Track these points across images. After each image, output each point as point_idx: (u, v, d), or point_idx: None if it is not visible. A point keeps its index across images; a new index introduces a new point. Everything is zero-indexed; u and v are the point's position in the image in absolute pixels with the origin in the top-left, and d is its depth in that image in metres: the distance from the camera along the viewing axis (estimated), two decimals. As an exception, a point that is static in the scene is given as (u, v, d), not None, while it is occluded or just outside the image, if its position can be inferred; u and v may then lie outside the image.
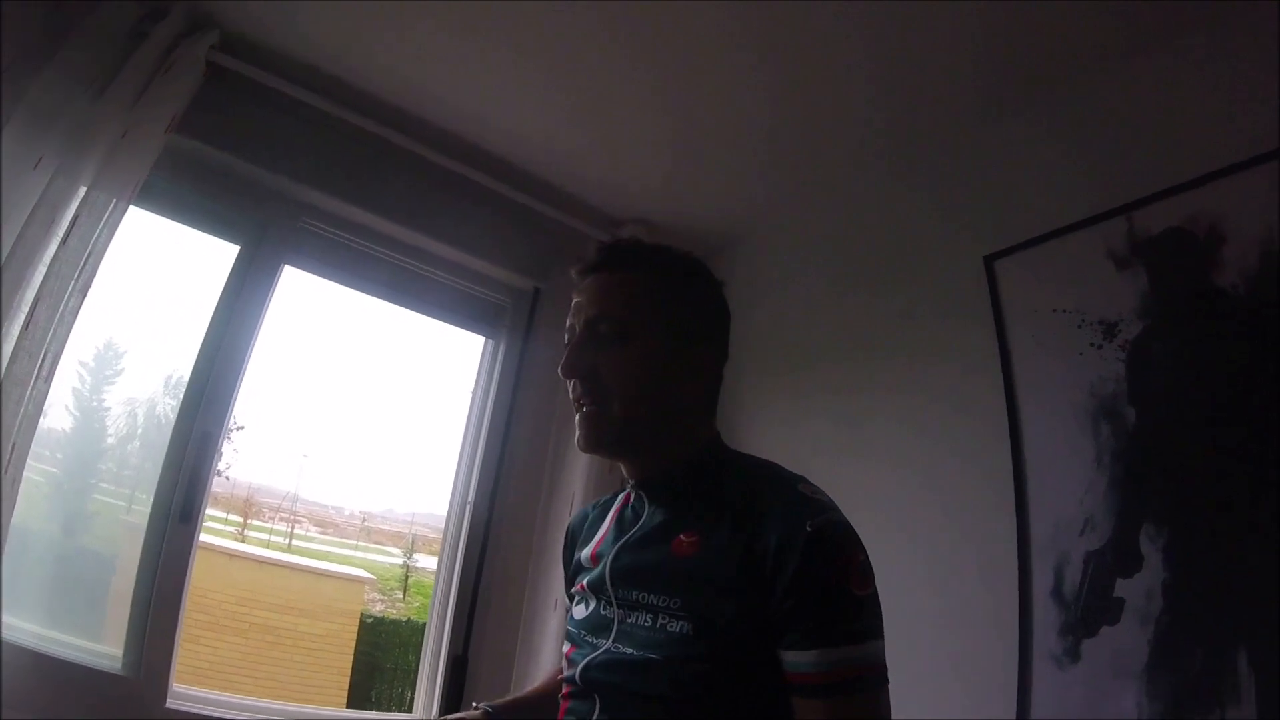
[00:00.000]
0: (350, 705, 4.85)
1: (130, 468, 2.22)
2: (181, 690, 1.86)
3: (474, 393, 2.59)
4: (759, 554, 0.84)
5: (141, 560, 1.86)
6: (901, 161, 2.08)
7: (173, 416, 2.01)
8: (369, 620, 5.86)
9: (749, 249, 2.59)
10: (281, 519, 8.52)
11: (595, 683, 0.93)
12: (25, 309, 1.53)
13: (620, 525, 1.06)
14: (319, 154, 2.18)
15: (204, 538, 1.99)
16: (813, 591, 0.81)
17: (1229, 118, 1.42)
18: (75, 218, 1.62)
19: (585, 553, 1.10)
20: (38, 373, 1.54)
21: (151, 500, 1.91)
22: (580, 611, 1.03)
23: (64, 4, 1.73)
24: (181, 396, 2.01)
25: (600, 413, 0.99)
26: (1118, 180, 1.56)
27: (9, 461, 1.50)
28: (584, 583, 1.04)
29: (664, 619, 0.89)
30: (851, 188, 2.23)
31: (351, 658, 5.28)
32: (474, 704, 1.16)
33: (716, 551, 0.89)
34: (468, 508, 2.39)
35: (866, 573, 0.85)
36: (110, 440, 2.25)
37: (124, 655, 1.80)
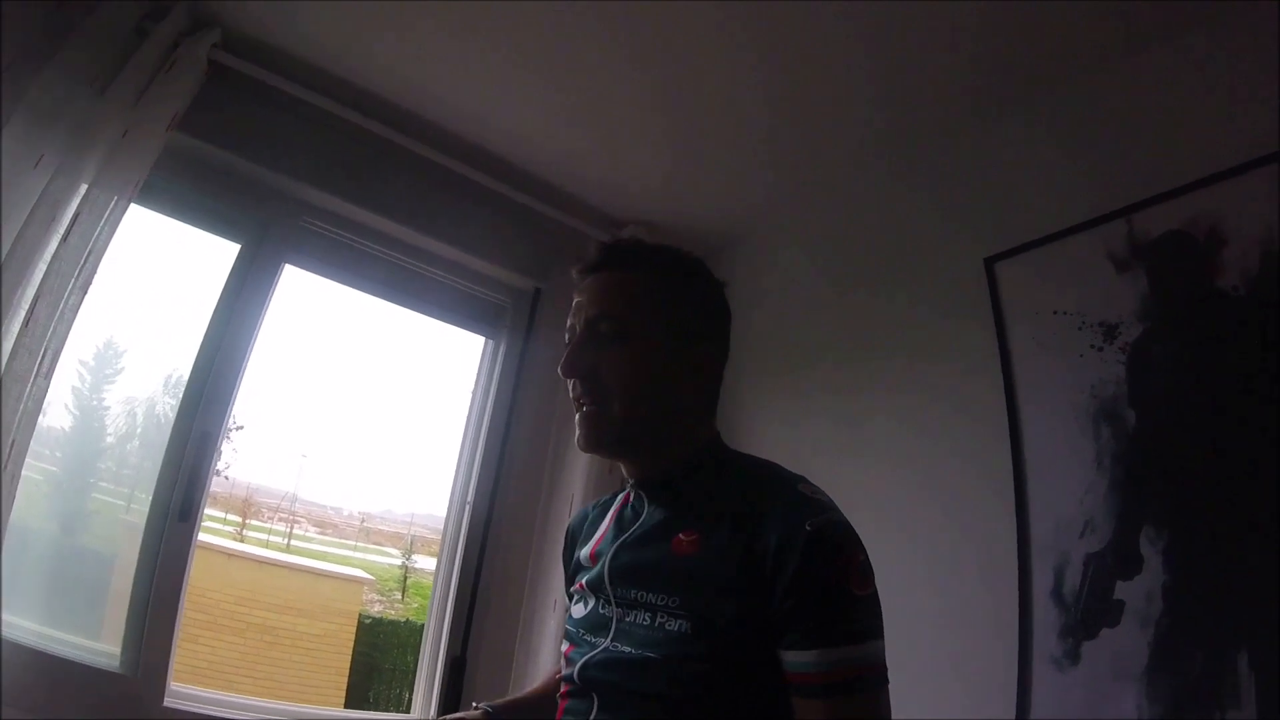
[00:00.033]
0: (348, 705, 4.84)
1: (129, 467, 2.22)
2: (179, 689, 1.86)
3: (474, 393, 2.58)
4: (759, 554, 0.84)
5: (140, 559, 1.86)
6: (901, 161, 2.08)
7: (172, 416, 2.01)
8: (367, 621, 5.86)
9: (749, 249, 2.59)
10: (280, 519, 8.51)
11: (593, 681, 0.93)
12: (26, 306, 1.53)
13: (620, 524, 1.06)
14: (320, 153, 2.18)
15: (203, 537, 1.99)
16: (813, 591, 0.81)
17: (1229, 119, 1.42)
18: (76, 215, 1.62)
19: (584, 552, 1.10)
20: (38, 369, 1.54)
21: (150, 499, 1.91)
22: (579, 610, 1.03)
23: (65, 3, 1.73)
24: (181, 396, 2.00)
25: (600, 412, 0.99)
26: (1117, 182, 1.56)
27: (8, 458, 1.50)
28: (583, 581, 1.04)
29: (662, 617, 0.89)
30: (851, 188, 2.23)
31: (350, 658, 5.28)
32: (474, 704, 1.16)
33: (716, 551, 0.89)
34: (467, 508, 2.39)
35: (866, 573, 0.85)
36: (110, 439, 2.25)
37: (122, 654, 1.80)
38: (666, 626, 0.88)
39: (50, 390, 1.61)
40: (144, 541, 1.87)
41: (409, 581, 7.81)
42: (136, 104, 1.73)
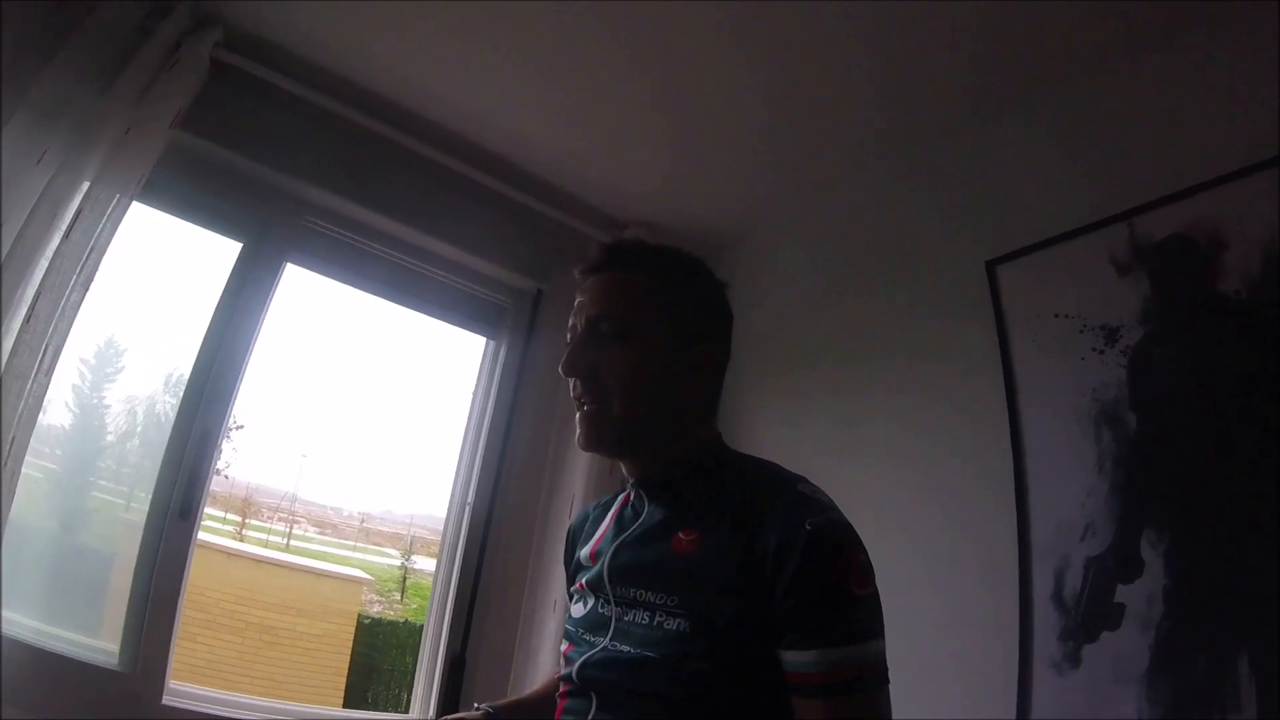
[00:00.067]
0: (347, 705, 4.83)
1: (129, 465, 2.22)
2: (178, 687, 1.86)
3: (474, 393, 2.58)
4: (759, 554, 0.84)
5: (140, 557, 1.86)
6: (902, 162, 2.08)
7: (172, 415, 2.01)
8: (366, 621, 5.85)
9: (750, 250, 2.59)
10: (280, 519, 8.51)
11: (592, 680, 0.93)
12: (27, 303, 1.53)
13: (620, 523, 1.06)
14: (322, 152, 2.18)
15: (202, 536, 1.99)
16: (813, 591, 0.81)
17: (1231, 122, 1.42)
18: (78, 213, 1.62)
19: (585, 551, 1.10)
20: (38, 366, 1.55)
21: (150, 498, 1.91)
22: (579, 610, 1.03)
23: (67, 2, 1.74)
24: (181, 394, 2.00)
25: (600, 411, 0.99)
26: (1119, 185, 1.56)
27: (8, 455, 1.50)
28: (583, 581, 1.04)
29: (661, 616, 0.89)
30: (852, 189, 2.23)
31: (348, 658, 5.27)
32: (475, 705, 1.16)
33: (716, 551, 0.89)
34: (467, 508, 2.39)
35: (867, 572, 0.85)
36: (110, 438, 2.25)
37: (121, 651, 1.80)
38: (665, 626, 0.88)
39: (50, 388, 1.61)
40: (143, 540, 1.87)
41: (408, 582, 7.80)
42: (139, 102, 1.73)
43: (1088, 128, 1.68)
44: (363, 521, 9.71)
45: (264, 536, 7.79)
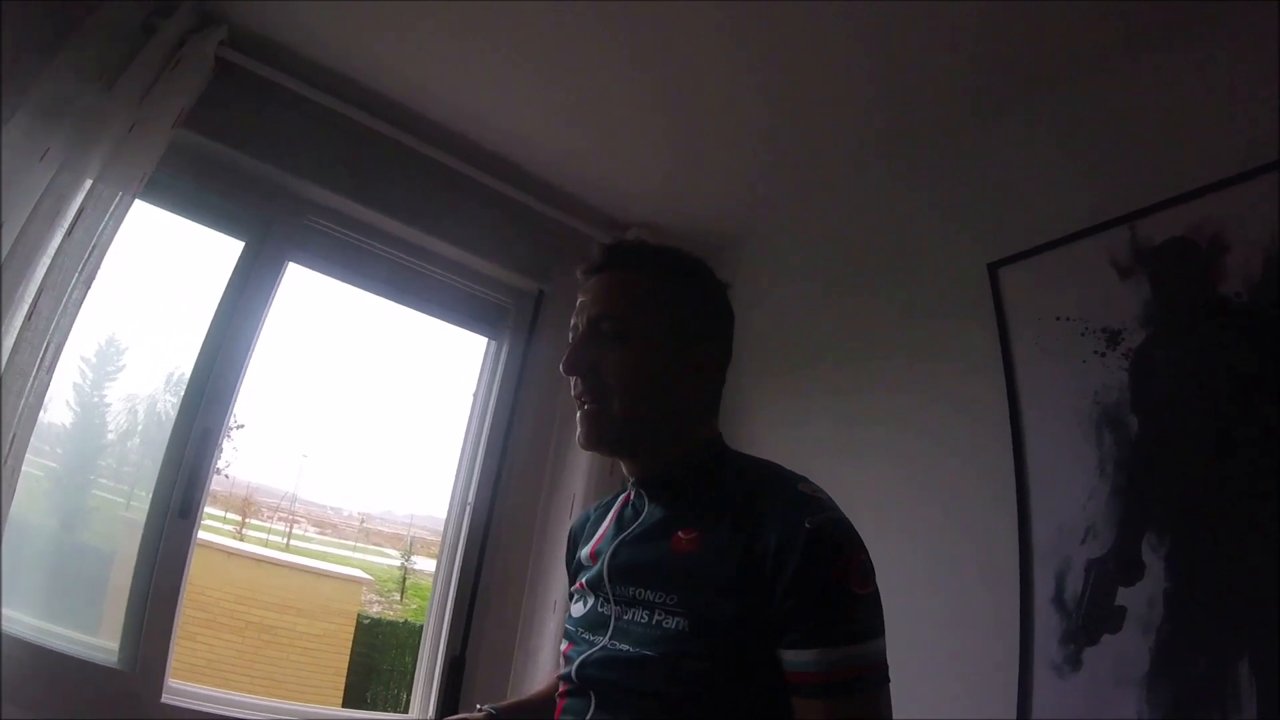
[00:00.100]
0: (346, 705, 4.83)
1: (130, 464, 2.22)
2: (177, 686, 1.86)
3: (475, 394, 2.58)
4: (759, 554, 0.84)
5: (140, 556, 1.86)
6: (903, 162, 2.08)
7: (173, 414, 2.01)
8: (366, 621, 5.84)
9: (751, 251, 2.59)
10: (280, 518, 8.51)
11: (591, 680, 0.93)
12: (29, 300, 1.53)
13: (620, 523, 1.06)
14: (325, 151, 2.18)
15: (202, 535, 1.99)
16: (813, 591, 0.81)
17: (1232, 125, 1.42)
18: (81, 210, 1.62)
19: (585, 551, 1.10)
20: (39, 364, 1.55)
21: (150, 497, 1.91)
22: (578, 609, 1.03)
23: (71, 0, 1.74)
24: (183, 393, 2.00)
25: (600, 410, 0.99)
26: (1120, 188, 1.56)
27: (9, 452, 1.50)
28: (583, 580, 1.04)
29: (660, 615, 0.89)
30: (852, 189, 2.24)
31: (348, 658, 5.27)
32: (477, 706, 1.16)
33: (716, 550, 0.89)
34: (468, 508, 2.38)
35: (867, 571, 0.85)
36: (110, 436, 2.25)
37: (120, 650, 1.80)
38: (664, 624, 0.88)
39: (51, 386, 1.61)
40: (144, 538, 1.87)
41: (408, 582, 7.80)
42: (143, 100, 1.73)
43: (1089, 129, 1.68)
44: (363, 522, 9.71)
45: (264, 536, 7.79)
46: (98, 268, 1.66)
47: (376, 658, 5.66)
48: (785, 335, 2.31)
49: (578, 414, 1.02)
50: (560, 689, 1.00)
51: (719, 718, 0.83)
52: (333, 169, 2.20)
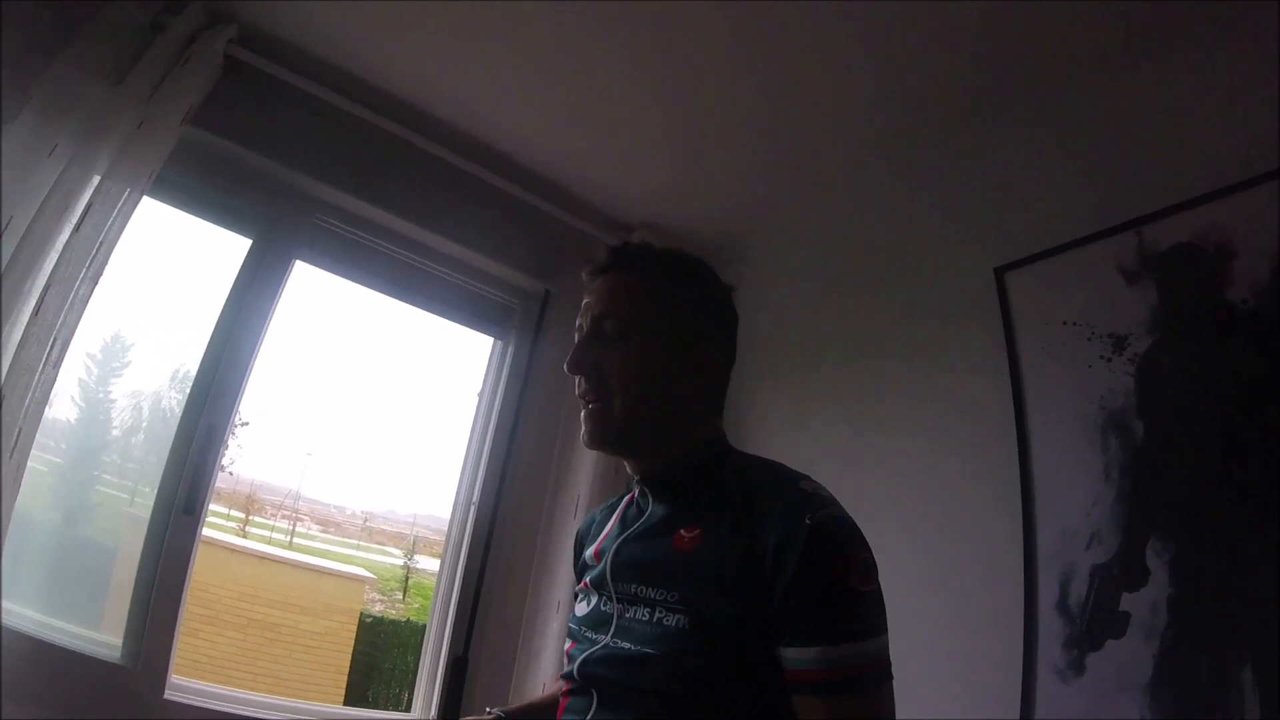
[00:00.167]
0: (347, 703, 4.84)
1: (134, 460, 2.23)
2: (180, 682, 1.86)
3: (481, 394, 2.59)
4: (759, 552, 0.84)
5: (144, 552, 1.86)
6: (907, 166, 2.08)
7: (178, 410, 2.01)
8: (368, 620, 5.86)
9: (757, 254, 2.59)
10: (283, 516, 8.53)
11: (593, 678, 0.93)
12: (36, 295, 1.54)
13: (624, 522, 1.07)
14: (333, 150, 2.18)
15: (206, 532, 1.99)
16: (813, 589, 0.81)
17: (1240, 131, 1.41)
18: (88, 206, 1.62)
19: (590, 551, 1.11)
20: (46, 359, 1.55)
21: (155, 493, 1.91)
22: (582, 608, 1.04)
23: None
24: (188, 390, 2.01)
25: (604, 409, 1.00)
26: (1127, 193, 1.56)
27: (15, 447, 1.50)
28: (587, 579, 1.05)
29: (661, 613, 0.89)
30: (857, 192, 2.24)
31: (350, 657, 5.28)
32: (487, 709, 1.16)
33: (717, 549, 0.89)
34: (472, 508, 2.38)
35: (869, 568, 0.85)
36: (115, 432, 2.26)
37: (123, 645, 1.80)
38: (665, 622, 0.88)
39: (56, 382, 1.62)
40: (148, 534, 1.87)
41: (410, 582, 7.82)
42: (151, 97, 1.74)
43: (1095, 133, 1.67)
44: (366, 520, 9.74)
45: (267, 534, 7.81)
46: (105, 264, 1.67)
47: (378, 656, 5.67)
48: (790, 338, 2.31)
49: (582, 413, 1.03)
50: (564, 688, 1.00)
51: (720, 716, 0.83)
52: (340, 167, 2.20)
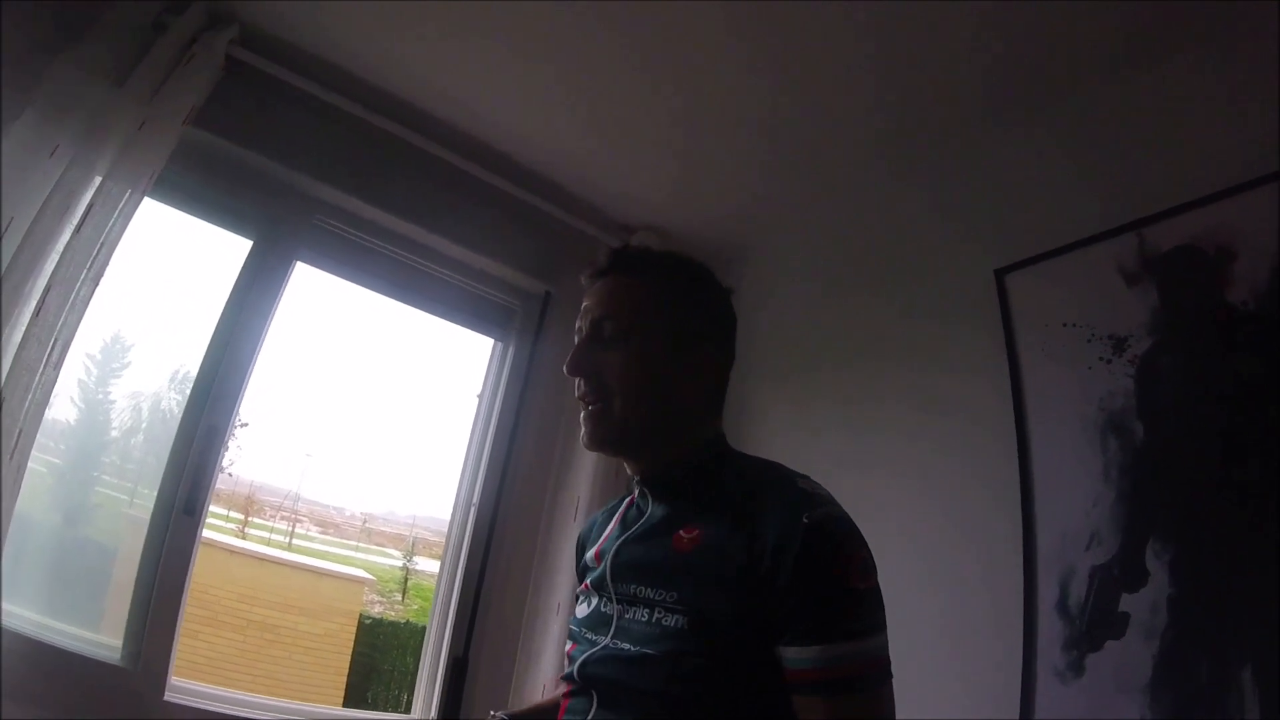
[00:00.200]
0: (347, 705, 4.83)
1: (133, 461, 2.23)
2: (180, 684, 1.86)
3: (481, 395, 2.59)
4: (757, 553, 0.84)
5: (144, 553, 1.86)
6: (906, 167, 2.08)
7: (177, 411, 2.01)
8: (368, 621, 5.85)
9: (758, 255, 2.59)
10: (282, 517, 8.52)
11: (593, 679, 0.93)
12: (37, 296, 1.54)
13: (624, 523, 1.08)
14: (334, 151, 2.18)
15: (205, 533, 1.99)
16: (812, 588, 0.81)
17: (1240, 133, 1.42)
18: (90, 207, 1.62)
19: (591, 553, 1.11)
20: (47, 360, 1.55)
21: (155, 494, 1.91)
22: (583, 610, 1.04)
23: (78, -1, 1.75)
24: (188, 391, 2.00)
25: (603, 410, 1.01)
26: (1128, 195, 1.56)
27: (15, 448, 1.50)
28: (588, 581, 1.05)
29: (660, 613, 0.89)
30: (859, 195, 2.24)
31: (349, 658, 5.28)
32: (491, 712, 1.17)
33: (716, 549, 0.89)
34: (472, 509, 2.38)
35: (867, 566, 0.85)
36: (114, 433, 2.26)
37: (123, 646, 1.80)
38: (664, 622, 0.88)
39: (57, 382, 1.62)
40: (148, 536, 1.87)
41: (410, 583, 7.81)
42: (153, 98, 1.74)
43: (1096, 135, 1.68)
44: (365, 522, 9.73)
45: (266, 535, 7.81)
46: (106, 265, 1.67)
47: (378, 658, 5.66)
48: (790, 339, 2.32)
49: (581, 415, 1.04)
50: (564, 689, 1.00)
51: (720, 716, 0.83)
52: (341, 168, 2.20)
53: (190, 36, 1.81)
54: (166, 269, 2.18)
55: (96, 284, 1.65)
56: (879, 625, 0.83)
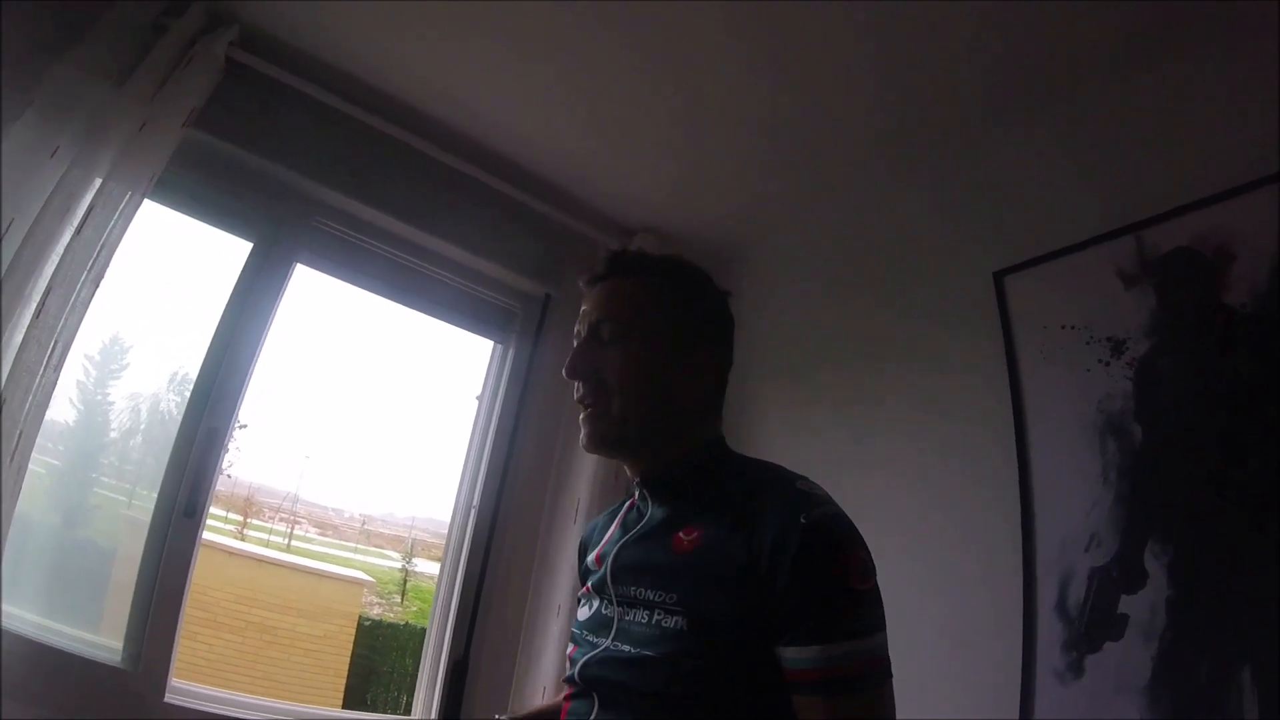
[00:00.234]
0: (346, 707, 4.83)
1: (132, 463, 2.23)
2: (180, 685, 1.86)
3: (481, 397, 2.59)
4: (756, 553, 0.84)
5: (145, 555, 1.86)
6: (906, 168, 2.08)
7: (176, 412, 2.01)
8: (367, 623, 5.85)
9: (757, 257, 2.59)
10: (281, 519, 8.52)
11: (594, 680, 0.94)
12: (37, 298, 1.53)
13: (625, 525, 1.08)
14: (334, 153, 2.18)
15: (204, 535, 1.99)
16: (811, 588, 0.81)
17: (1239, 135, 1.42)
18: (90, 208, 1.62)
19: (592, 556, 1.11)
20: (47, 361, 1.55)
21: (155, 496, 1.91)
22: (584, 613, 1.04)
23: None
24: (188, 393, 2.00)
25: (602, 412, 1.01)
26: (1127, 198, 1.56)
27: (16, 449, 1.50)
28: (589, 584, 1.06)
29: (660, 614, 0.90)
30: (858, 197, 2.24)
31: (348, 660, 5.28)
32: (495, 716, 1.17)
33: (715, 550, 0.90)
34: (472, 511, 2.38)
35: (866, 566, 0.85)
36: (113, 434, 2.26)
37: (124, 648, 1.79)
38: (663, 624, 0.88)
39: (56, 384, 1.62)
40: (149, 537, 1.87)
41: (409, 585, 7.81)
42: (153, 99, 1.73)
43: (1095, 137, 1.68)
44: (364, 523, 9.72)
45: (265, 536, 7.80)
46: (106, 266, 1.66)
47: (377, 659, 5.66)
48: (789, 340, 2.32)
49: (580, 417, 1.04)
50: (565, 691, 1.00)
51: (720, 717, 0.84)
52: (341, 170, 2.20)
53: (190, 38, 1.81)
54: (166, 271, 2.18)
55: (97, 286, 1.65)
56: (879, 625, 0.84)
